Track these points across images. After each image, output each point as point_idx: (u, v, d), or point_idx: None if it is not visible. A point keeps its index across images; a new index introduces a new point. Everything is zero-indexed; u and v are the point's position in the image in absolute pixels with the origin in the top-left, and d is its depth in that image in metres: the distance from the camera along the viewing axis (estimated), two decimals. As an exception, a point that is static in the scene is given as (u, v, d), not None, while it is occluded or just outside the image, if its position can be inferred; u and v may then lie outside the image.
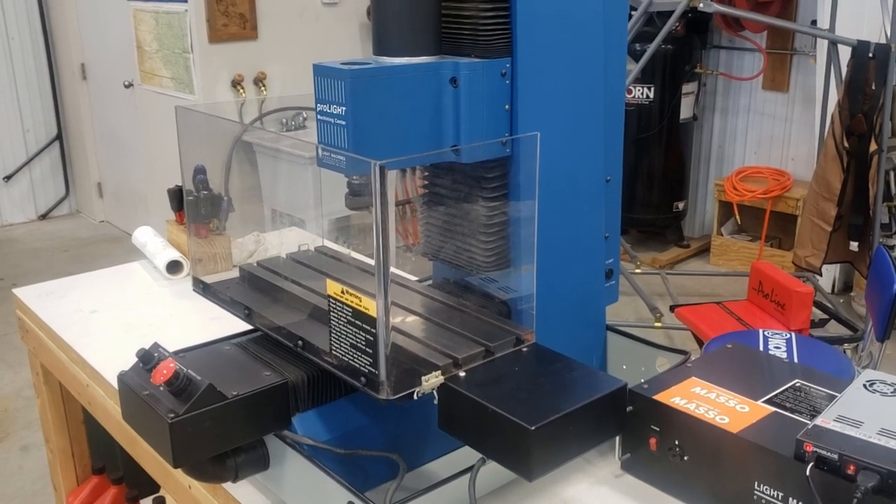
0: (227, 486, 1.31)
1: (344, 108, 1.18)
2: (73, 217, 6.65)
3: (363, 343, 1.06)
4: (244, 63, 4.80)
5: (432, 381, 1.08)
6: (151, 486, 2.58)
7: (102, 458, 2.27)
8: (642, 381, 1.31)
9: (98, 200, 6.44)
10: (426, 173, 1.43)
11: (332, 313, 1.10)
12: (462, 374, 1.11)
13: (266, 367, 1.21)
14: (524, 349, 1.19)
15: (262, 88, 4.86)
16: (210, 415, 1.10)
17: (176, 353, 1.25)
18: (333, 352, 1.12)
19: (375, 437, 1.23)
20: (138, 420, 1.16)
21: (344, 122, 1.18)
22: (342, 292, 1.06)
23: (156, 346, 1.20)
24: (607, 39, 1.39)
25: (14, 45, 6.18)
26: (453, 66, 1.24)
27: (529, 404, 1.03)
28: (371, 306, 1.02)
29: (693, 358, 1.45)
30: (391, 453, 1.16)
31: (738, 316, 3.35)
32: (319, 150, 1.24)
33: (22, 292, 2.09)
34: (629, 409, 1.29)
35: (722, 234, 5.33)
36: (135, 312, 1.99)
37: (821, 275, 4.10)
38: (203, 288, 1.43)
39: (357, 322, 1.06)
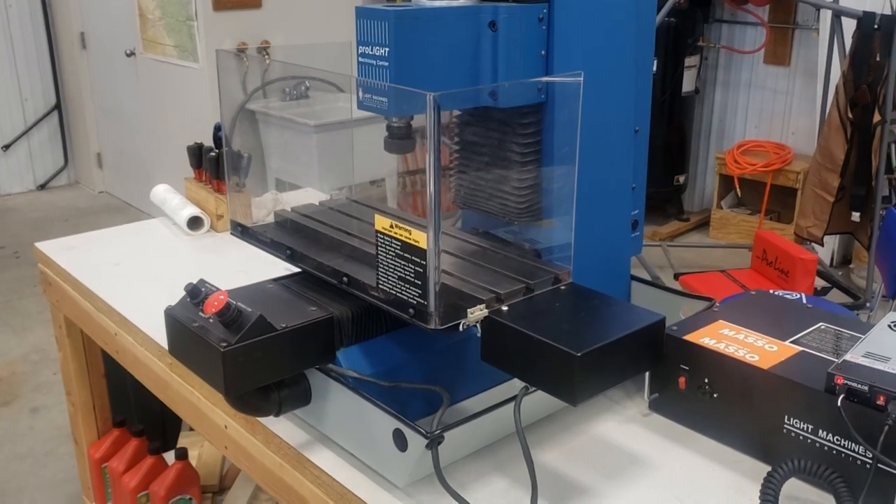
0: (267, 422, 1.34)
1: (387, 49, 1.20)
2: (72, 187, 6.64)
3: (412, 275, 1.08)
4: (248, 31, 4.79)
5: (477, 313, 1.11)
6: (167, 440, 2.62)
7: (122, 412, 2.30)
8: (672, 325, 1.35)
9: (97, 171, 6.43)
10: (458, 121, 1.46)
11: (379, 248, 1.13)
12: (504, 308, 1.14)
13: (310, 304, 1.24)
14: (562, 287, 1.22)
15: (266, 57, 4.85)
16: (260, 345, 1.13)
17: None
18: (380, 286, 1.15)
19: (415, 375, 1.26)
20: (187, 352, 1.19)
21: (386, 63, 1.21)
22: (391, 226, 1.09)
23: (202, 281, 1.23)
24: (639, -11, 1.42)
25: (12, 14, 6.14)
26: (493, 9, 1.26)
27: (572, 334, 1.07)
28: (421, 238, 1.05)
29: (717, 304, 1.48)
30: (434, 386, 1.19)
31: (742, 283, 3.39)
32: (360, 93, 1.26)
33: (45, 246, 2.11)
34: (659, 349, 1.33)
35: (722, 208, 5.38)
36: (159, 265, 2.01)
37: (822, 245, 4.14)
38: (242, 231, 1.46)
39: (406, 255, 1.08)
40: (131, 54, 5.44)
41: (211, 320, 1.14)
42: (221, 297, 1.13)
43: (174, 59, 5.00)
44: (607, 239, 1.52)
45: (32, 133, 6.43)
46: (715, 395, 1.28)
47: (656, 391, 1.37)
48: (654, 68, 5.17)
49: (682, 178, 5.49)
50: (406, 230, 1.07)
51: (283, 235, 1.40)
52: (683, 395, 1.32)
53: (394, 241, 1.10)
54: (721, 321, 1.37)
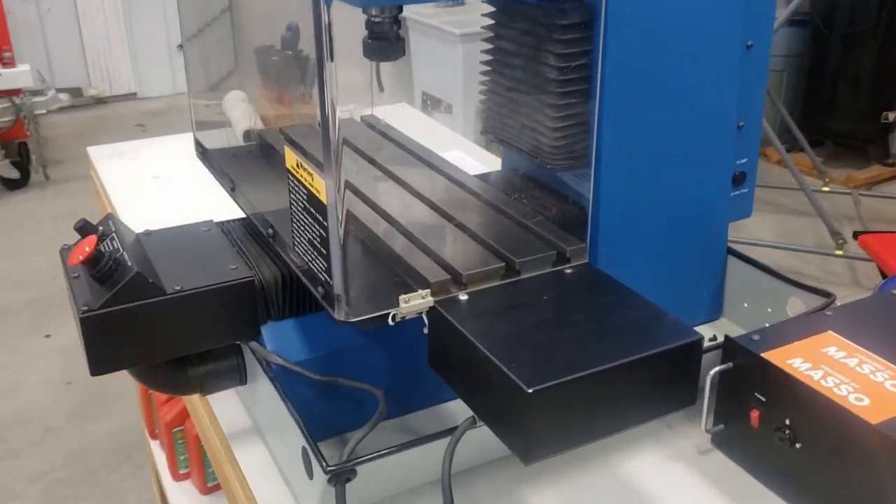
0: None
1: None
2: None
3: (318, 239, 0.75)
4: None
5: (414, 302, 0.76)
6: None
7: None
8: (753, 331, 0.94)
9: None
10: (492, 21, 1.08)
11: (291, 195, 0.80)
12: (463, 297, 0.78)
13: (237, 260, 0.93)
14: (568, 271, 0.84)
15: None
16: (138, 312, 0.84)
17: (145, 232, 1.01)
18: (296, 248, 0.83)
19: (372, 363, 0.94)
20: (73, 308, 0.93)
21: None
22: (297, 166, 0.75)
23: (108, 217, 0.95)
24: None
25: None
26: None
27: (541, 354, 0.70)
28: (321, 188, 0.70)
29: (839, 304, 1.04)
30: (375, 387, 0.86)
31: (939, 252, 2.75)
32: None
33: (94, 151, 1.94)
34: (728, 365, 0.93)
35: (938, 154, 4.52)
36: (199, 182, 1.78)
37: None
38: (202, 152, 1.17)
39: (311, 209, 0.75)
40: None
41: (90, 273, 0.87)
42: (91, 243, 0.84)
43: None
44: (697, 196, 1.11)
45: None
46: (797, 445, 0.87)
47: (721, 422, 0.97)
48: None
49: (892, 116, 4.64)
50: (309, 174, 0.73)
51: (241, 163, 1.10)
52: (755, 435, 0.92)
53: (301, 187, 0.76)
54: (830, 333, 0.94)
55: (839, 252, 3.49)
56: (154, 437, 2.12)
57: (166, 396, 1.98)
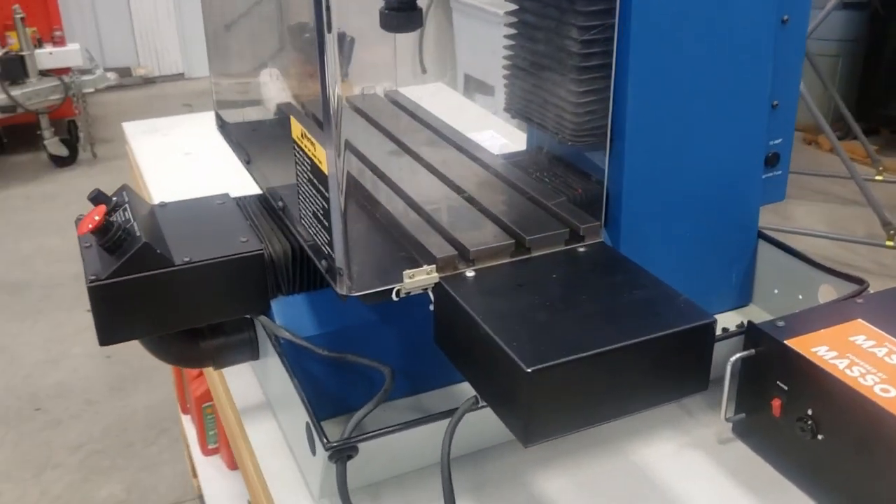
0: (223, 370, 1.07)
1: None
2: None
3: (321, 211, 0.73)
4: None
5: (419, 278, 0.74)
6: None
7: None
8: (778, 318, 0.90)
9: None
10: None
11: (297, 166, 0.78)
12: (470, 273, 0.76)
13: (249, 233, 0.92)
14: (580, 250, 0.81)
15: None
16: (146, 283, 0.84)
17: (160, 203, 1.01)
18: (302, 220, 0.81)
19: (383, 341, 0.92)
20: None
21: None
22: (302, 136, 0.74)
23: (123, 188, 0.95)
24: None
25: None
26: None
27: (544, 333, 0.67)
28: (323, 157, 0.69)
29: (872, 292, 1.00)
30: (382, 364, 0.85)
31: None
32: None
33: (130, 127, 1.96)
34: (751, 352, 0.90)
35: None
36: (228, 158, 1.78)
37: None
38: (222, 126, 1.16)
39: (314, 180, 0.73)
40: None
41: (99, 243, 0.87)
42: (101, 213, 0.84)
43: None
44: (726, 177, 1.07)
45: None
46: (820, 437, 0.84)
47: (742, 411, 0.94)
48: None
49: (951, 104, 4.49)
50: (312, 143, 0.71)
51: (259, 136, 1.09)
52: (777, 425, 0.88)
53: (305, 158, 0.75)
54: (860, 321, 0.90)
55: (890, 243, 3.38)
56: (186, 411, 2.15)
57: (197, 371, 2.00)
